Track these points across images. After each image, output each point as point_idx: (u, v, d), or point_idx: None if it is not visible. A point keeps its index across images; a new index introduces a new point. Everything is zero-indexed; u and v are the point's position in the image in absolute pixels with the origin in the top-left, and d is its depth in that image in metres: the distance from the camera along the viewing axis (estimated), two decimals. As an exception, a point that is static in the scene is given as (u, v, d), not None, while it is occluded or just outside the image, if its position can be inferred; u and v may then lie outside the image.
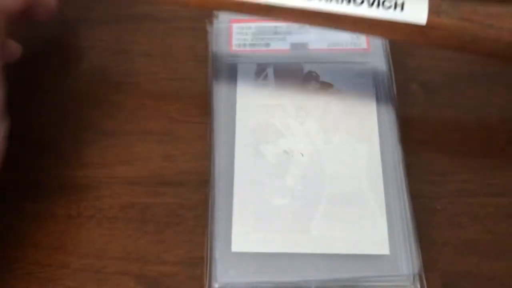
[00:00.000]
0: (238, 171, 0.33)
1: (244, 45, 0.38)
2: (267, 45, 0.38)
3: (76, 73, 0.37)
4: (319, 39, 0.38)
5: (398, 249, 0.31)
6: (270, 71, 0.37)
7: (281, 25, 0.38)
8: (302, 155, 0.34)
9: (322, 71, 0.37)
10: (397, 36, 0.32)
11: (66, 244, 0.32)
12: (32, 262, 0.32)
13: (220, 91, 0.36)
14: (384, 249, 0.31)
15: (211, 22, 0.39)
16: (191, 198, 0.33)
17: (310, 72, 0.37)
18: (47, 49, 0.39)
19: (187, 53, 0.39)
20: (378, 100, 0.35)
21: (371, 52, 0.38)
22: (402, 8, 0.30)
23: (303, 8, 0.31)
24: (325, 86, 0.36)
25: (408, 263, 0.30)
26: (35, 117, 0.36)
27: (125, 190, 0.34)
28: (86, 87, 0.37)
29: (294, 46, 0.38)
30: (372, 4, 0.30)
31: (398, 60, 0.38)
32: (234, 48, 0.38)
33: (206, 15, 0.39)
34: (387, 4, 0.30)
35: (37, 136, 0.36)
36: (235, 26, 0.39)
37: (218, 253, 0.31)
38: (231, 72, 0.37)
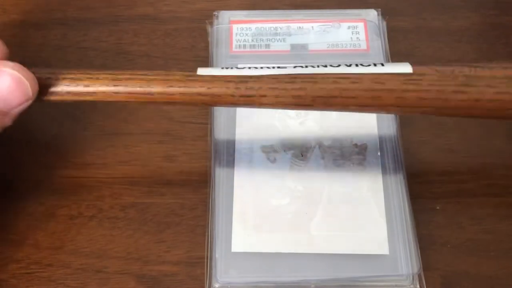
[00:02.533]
0: (238, 171, 0.33)
1: (244, 46, 0.38)
2: (267, 46, 0.38)
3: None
4: (319, 40, 0.38)
5: (398, 249, 0.31)
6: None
7: (281, 25, 0.39)
8: (302, 155, 0.34)
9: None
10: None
11: (67, 244, 0.32)
12: (33, 262, 0.32)
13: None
14: (384, 249, 0.31)
15: (211, 23, 0.39)
16: (191, 198, 0.33)
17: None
18: (47, 50, 0.39)
19: (188, 54, 0.39)
20: (377, 100, 0.36)
21: (370, 53, 0.38)
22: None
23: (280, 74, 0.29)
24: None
25: (407, 263, 0.31)
26: (36, 117, 0.36)
27: (125, 190, 0.34)
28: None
29: (294, 47, 0.38)
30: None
31: (397, 61, 0.37)
32: (234, 49, 0.38)
33: (206, 16, 0.40)
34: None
35: (37, 136, 0.36)
36: (235, 27, 0.39)
37: (219, 253, 0.31)
38: (231, 72, 0.37)
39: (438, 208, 0.33)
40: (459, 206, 0.33)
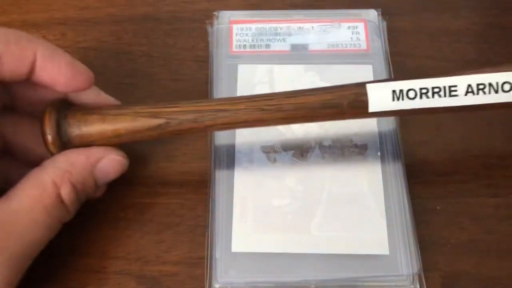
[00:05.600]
0: (238, 171, 0.33)
1: (244, 46, 0.38)
2: (267, 46, 0.38)
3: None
4: (319, 40, 0.38)
5: (398, 249, 0.31)
6: (270, 72, 0.37)
7: (281, 25, 0.39)
8: (302, 155, 0.34)
9: (322, 72, 0.37)
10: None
11: (67, 244, 0.32)
12: (33, 262, 0.32)
13: (220, 91, 0.36)
14: (384, 249, 0.31)
15: (211, 23, 0.39)
16: (191, 198, 0.33)
17: (310, 73, 0.37)
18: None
19: (188, 53, 0.39)
20: (378, 100, 0.36)
21: (371, 52, 0.38)
22: None
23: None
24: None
25: (407, 263, 0.31)
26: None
27: (125, 190, 0.34)
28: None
29: (294, 47, 0.38)
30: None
31: (397, 61, 0.38)
32: (234, 49, 0.38)
33: (206, 16, 0.39)
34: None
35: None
36: (235, 27, 0.39)
37: (219, 253, 0.31)
38: (231, 73, 0.37)
39: (438, 208, 0.33)
40: (459, 206, 0.33)
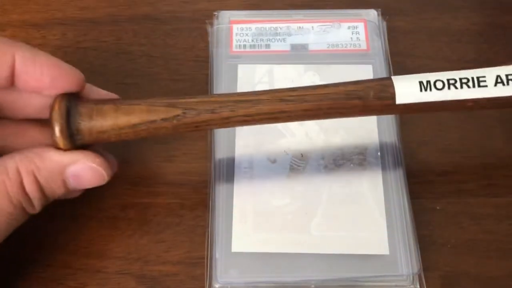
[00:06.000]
0: (238, 171, 0.33)
1: (244, 46, 0.38)
2: (267, 46, 0.38)
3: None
4: (319, 40, 0.38)
5: (398, 249, 0.31)
6: (270, 72, 0.37)
7: (281, 25, 0.39)
8: (302, 155, 0.34)
9: (322, 72, 0.37)
10: None
11: (67, 244, 0.32)
12: (34, 262, 0.32)
13: (220, 91, 0.36)
14: (384, 249, 0.31)
15: (211, 23, 0.39)
16: (191, 198, 0.33)
17: (310, 73, 0.37)
18: (47, 50, 0.39)
19: (188, 53, 0.39)
20: (378, 100, 0.36)
21: (371, 52, 0.38)
22: None
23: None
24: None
25: (407, 263, 0.31)
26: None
27: (125, 190, 0.34)
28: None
29: (294, 47, 0.38)
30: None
31: (397, 61, 0.38)
32: (234, 49, 0.38)
33: (206, 16, 0.40)
34: None
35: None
36: (235, 27, 0.39)
37: (219, 253, 0.31)
38: (231, 73, 0.37)
39: (438, 208, 0.33)
40: (459, 206, 0.33)
